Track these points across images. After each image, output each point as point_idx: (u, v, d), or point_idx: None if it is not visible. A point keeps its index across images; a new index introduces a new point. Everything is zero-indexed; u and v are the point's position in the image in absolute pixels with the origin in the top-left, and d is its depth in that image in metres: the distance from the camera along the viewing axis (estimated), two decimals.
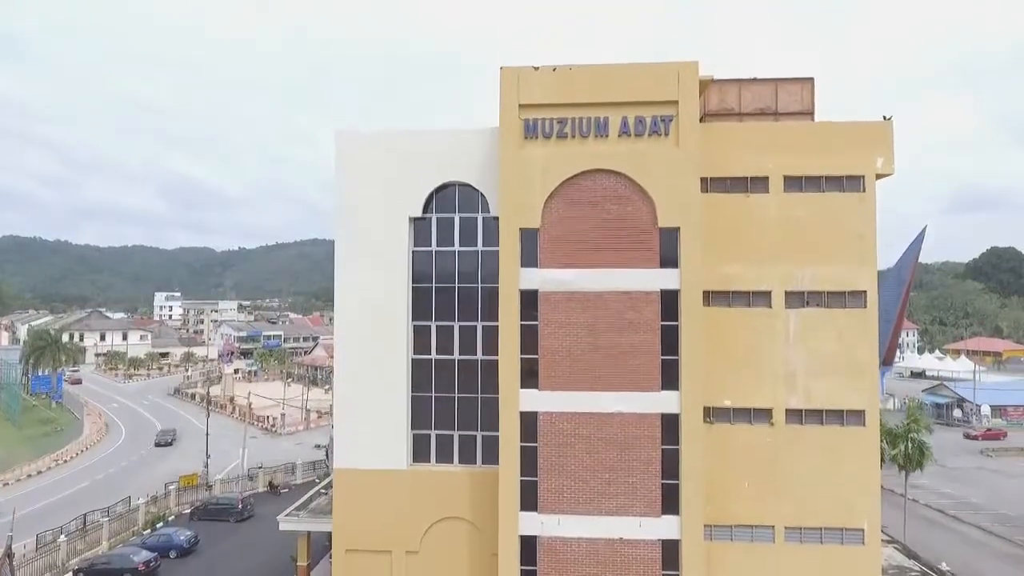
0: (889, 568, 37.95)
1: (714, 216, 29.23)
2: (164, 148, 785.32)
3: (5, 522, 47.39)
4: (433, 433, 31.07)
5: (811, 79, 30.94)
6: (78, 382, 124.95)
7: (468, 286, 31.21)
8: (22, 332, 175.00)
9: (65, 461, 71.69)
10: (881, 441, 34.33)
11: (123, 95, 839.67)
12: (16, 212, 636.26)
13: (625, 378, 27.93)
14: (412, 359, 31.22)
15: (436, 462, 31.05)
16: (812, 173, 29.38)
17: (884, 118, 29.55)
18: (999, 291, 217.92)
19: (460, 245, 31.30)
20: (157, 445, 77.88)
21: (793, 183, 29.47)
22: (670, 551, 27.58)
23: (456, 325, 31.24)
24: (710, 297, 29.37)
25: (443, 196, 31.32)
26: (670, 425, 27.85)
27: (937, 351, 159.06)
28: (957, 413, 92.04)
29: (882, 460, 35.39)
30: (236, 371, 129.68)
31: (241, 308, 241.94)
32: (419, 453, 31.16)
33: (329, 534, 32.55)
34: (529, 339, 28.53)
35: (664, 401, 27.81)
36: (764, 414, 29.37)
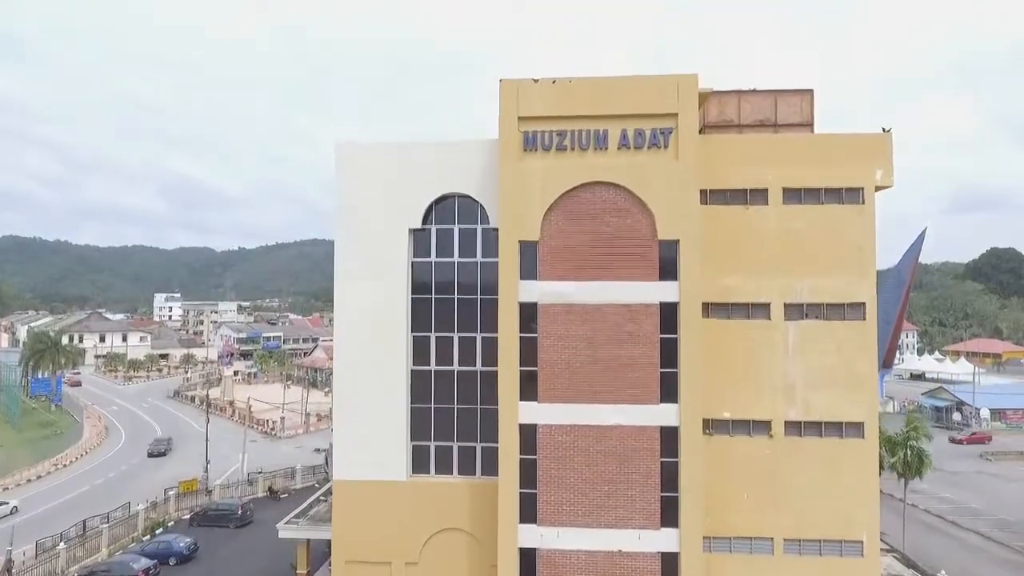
0: None
1: (713, 228, 29.26)
2: (164, 148, 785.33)
3: (6, 527, 47.69)
4: (432, 444, 31.12)
5: (810, 91, 30.98)
6: (77, 384, 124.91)
7: (467, 297, 31.26)
8: (22, 333, 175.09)
9: (65, 465, 71.70)
10: (880, 448, 34.41)
11: (123, 95, 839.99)
12: (16, 212, 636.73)
13: (624, 390, 27.97)
14: (411, 370, 31.28)
15: (435, 473, 31.10)
16: (811, 185, 29.41)
17: (883, 130, 29.55)
18: (999, 292, 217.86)
19: (459, 256, 31.37)
20: (151, 455, 74.42)
21: (792, 195, 29.51)
22: (669, 564, 27.65)
23: (455, 336, 31.30)
24: (709, 309, 29.40)
25: (443, 207, 31.37)
26: (669, 437, 27.91)
27: (937, 352, 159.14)
28: (957, 416, 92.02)
29: (881, 467, 35.48)
30: (236, 373, 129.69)
31: (241, 309, 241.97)
32: (418, 464, 31.21)
33: (329, 541, 32.62)
34: (528, 351, 28.58)
35: (663, 414, 27.84)
36: (763, 426, 29.42)
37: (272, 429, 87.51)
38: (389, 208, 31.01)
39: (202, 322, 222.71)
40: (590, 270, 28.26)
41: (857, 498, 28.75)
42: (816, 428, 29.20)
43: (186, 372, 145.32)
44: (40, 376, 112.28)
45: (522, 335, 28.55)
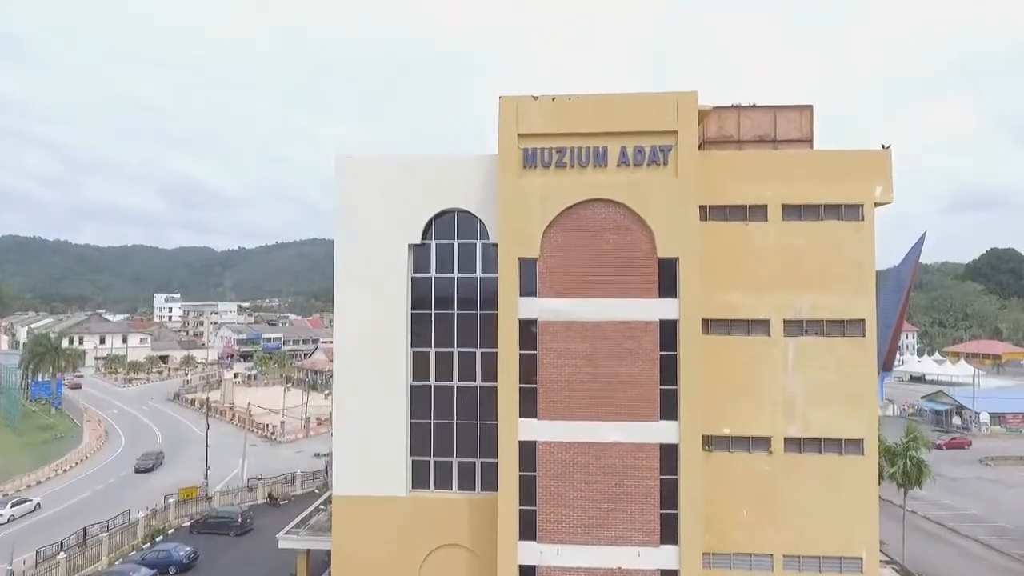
0: None
1: (713, 244, 29.29)
2: (164, 148, 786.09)
3: (6, 536, 47.78)
4: (432, 460, 31.14)
5: (810, 106, 31.00)
6: (77, 386, 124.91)
7: (467, 312, 31.27)
8: (22, 334, 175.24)
9: (65, 471, 71.63)
10: (880, 458, 34.45)
11: (123, 95, 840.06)
12: (16, 212, 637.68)
13: (624, 408, 28.00)
14: (411, 385, 31.28)
15: (435, 488, 31.12)
16: (811, 201, 29.44)
17: (883, 147, 29.56)
18: (999, 292, 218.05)
19: (459, 272, 31.36)
20: (137, 471, 69.67)
21: (792, 211, 29.54)
22: None
23: (455, 351, 31.32)
24: (709, 325, 29.44)
25: (442, 222, 31.39)
26: (669, 455, 27.94)
27: (937, 353, 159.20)
28: (956, 421, 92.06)
29: (880, 477, 35.51)
30: (236, 375, 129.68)
31: (241, 310, 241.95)
32: (418, 480, 31.24)
33: (329, 551, 32.65)
34: (528, 368, 28.62)
35: (663, 431, 27.87)
36: (763, 442, 29.46)
37: (272, 433, 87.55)
38: (389, 223, 31.03)
39: (202, 323, 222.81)
40: (590, 287, 28.27)
41: (856, 515, 28.80)
42: (815, 444, 29.24)
43: (186, 374, 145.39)
44: (40, 379, 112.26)
45: (522, 352, 28.59)
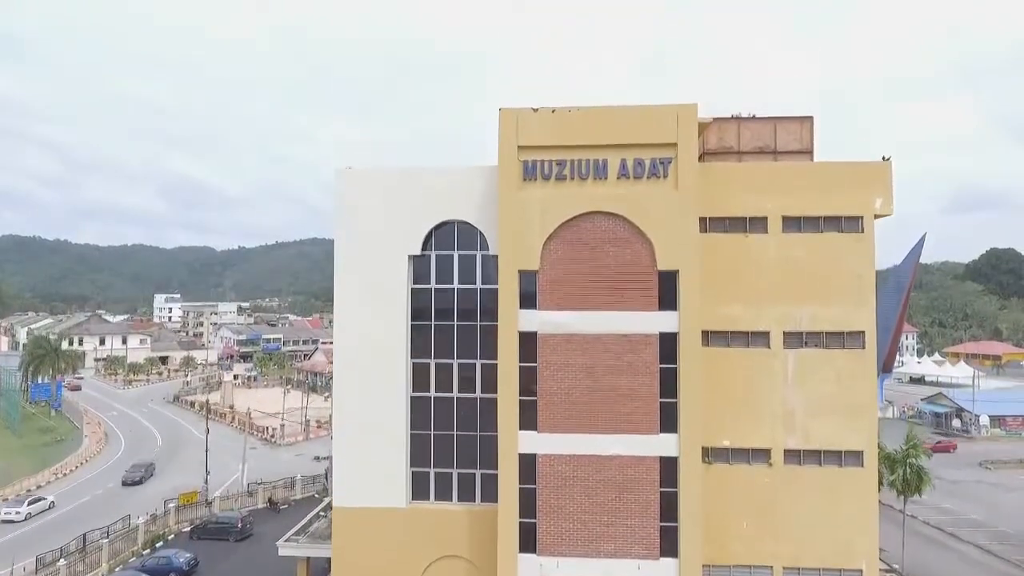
0: None
1: (713, 256, 29.27)
2: (164, 148, 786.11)
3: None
4: (432, 471, 31.13)
5: (810, 118, 30.98)
6: (77, 388, 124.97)
7: (467, 323, 31.24)
8: (22, 335, 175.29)
9: (65, 474, 71.70)
10: (879, 464, 34.46)
11: (123, 95, 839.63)
12: (16, 212, 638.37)
13: (624, 421, 28.00)
14: (411, 396, 31.27)
15: (435, 499, 31.11)
16: (811, 213, 29.42)
17: (883, 159, 29.53)
18: (998, 292, 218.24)
19: (459, 283, 31.34)
20: (124, 484, 66.20)
21: (792, 223, 29.52)
22: None
23: (455, 363, 31.30)
24: (709, 337, 29.43)
25: (442, 234, 31.37)
26: (669, 467, 27.93)
27: (936, 354, 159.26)
28: (956, 424, 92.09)
29: (880, 484, 35.53)
30: (235, 377, 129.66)
31: (241, 310, 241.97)
32: (418, 491, 31.23)
33: (329, 559, 32.65)
34: (528, 381, 28.61)
35: (662, 444, 27.87)
36: (763, 454, 29.46)
37: (272, 436, 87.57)
38: (388, 235, 31.01)
39: (202, 323, 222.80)
40: (590, 300, 28.25)
41: (856, 527, 28.81)
42: (815, 456, 29.24)
43: (186, 375, 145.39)
44: (40, 381, 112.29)
45: (522, 364, 28.56)
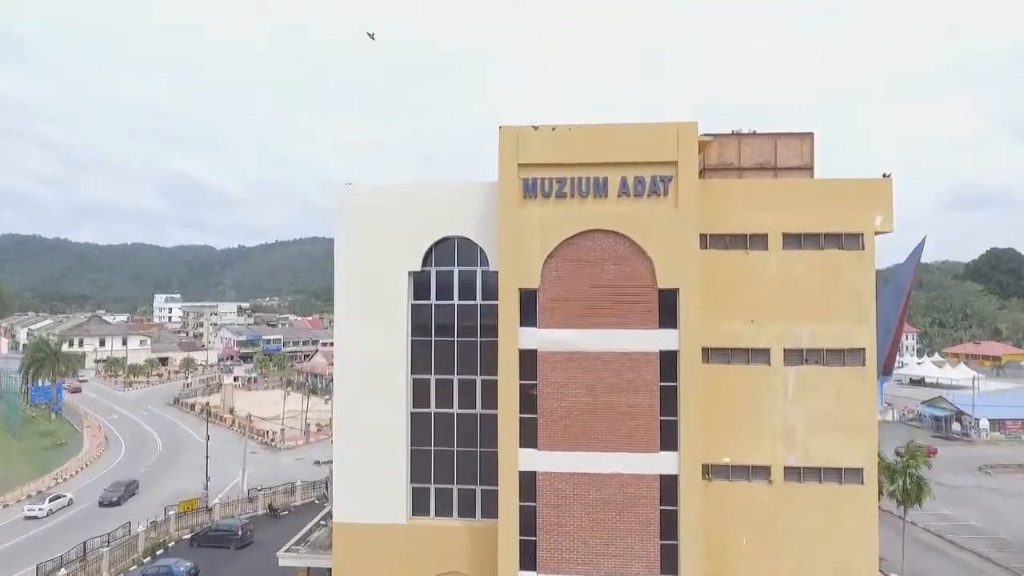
0: None
1: (713, 273, 29.24)
2: (164, 148, 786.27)
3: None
4: (432, 487, 31.15)
5: (810, 134, 30.95)
6: (77, 390, 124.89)
7: (467, 339, 31.24)
8: (21, 335, 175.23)
9: (65, 479, 71.68)
10: (879, 475, 34.44)
11: (123, 95, 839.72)
12: (16, 211, 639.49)
13: (624, 439, 28.01)
14: (411, 412, 31.28)
15: (436, 515, 31.13)
16: (811, 230, 29.42)
17: (884, 175, 29.51)
18: (998, 292, 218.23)
19: (459, 299, 31.33)
20: (102, 504, 61.57)
21: (792, 240, 29.52)
22: None
23: (455, 379, 31.31)
24: (709, 354, 29.42)
25: (442, 250, 31.37)
26: (669, 486, 27.95)
27: (936, 354, 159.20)
28: (956, 427, 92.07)
29: (880, 494, 35.51)
30: (236, 379, 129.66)
31: (241, 311, 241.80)
32: (418, 507, 31.27)
33: (329, 569, 32.69)
34: (528, 398, 28.61)
35: (663, 462, 27.88)
36: (763, 471, 29.47)
37: (272, 440, 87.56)
38: (389, 251, 31.02)
39: (202, 324, 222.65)
40: (590, 318, 28.26)
41: (856, 544, 28.84)
42: (815, 474, 29.26)
43: (186, 377, 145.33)
44: (40, 384, 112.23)
45: (522, 382, 28.59)
